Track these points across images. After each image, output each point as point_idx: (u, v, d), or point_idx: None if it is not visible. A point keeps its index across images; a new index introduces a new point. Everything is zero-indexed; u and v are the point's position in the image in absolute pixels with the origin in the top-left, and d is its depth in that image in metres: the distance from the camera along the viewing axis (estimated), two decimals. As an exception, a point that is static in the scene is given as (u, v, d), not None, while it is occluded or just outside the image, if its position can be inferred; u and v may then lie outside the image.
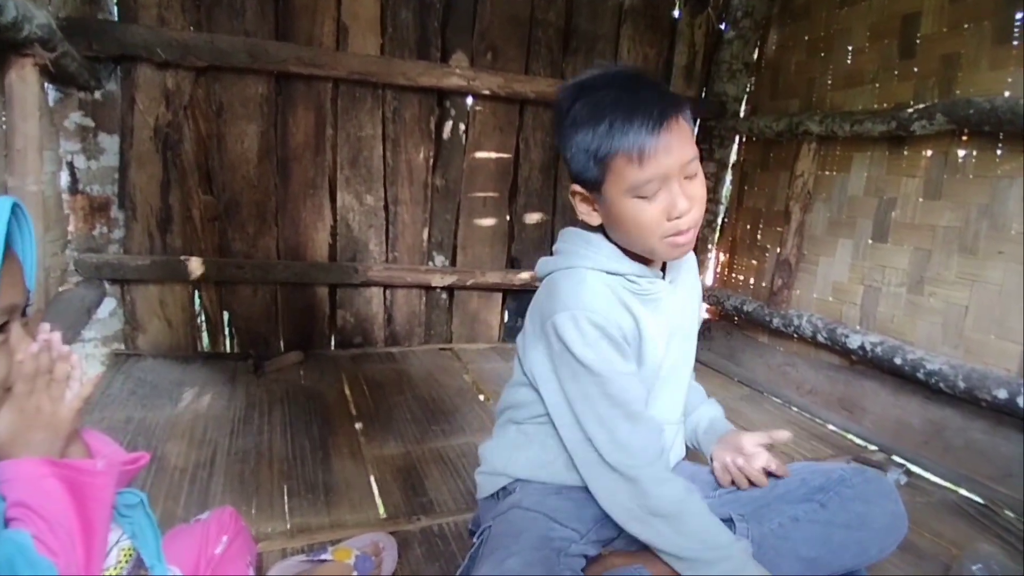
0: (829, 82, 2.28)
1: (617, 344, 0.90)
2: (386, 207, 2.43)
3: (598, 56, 2.57)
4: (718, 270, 2.86)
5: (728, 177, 2.85)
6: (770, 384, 2.33)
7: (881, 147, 2.05)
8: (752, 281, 2.62)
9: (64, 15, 1.80)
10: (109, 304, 2.15)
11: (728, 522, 0.96)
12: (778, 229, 2.43)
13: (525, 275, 2.59)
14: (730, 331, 2.67)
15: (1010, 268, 1.66)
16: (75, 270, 2.04)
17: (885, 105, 2.04)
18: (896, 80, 2.02)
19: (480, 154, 2.51)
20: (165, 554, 0.78)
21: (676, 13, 2.68)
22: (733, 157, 2.81)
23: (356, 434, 1.72)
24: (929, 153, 1.90)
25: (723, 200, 2.88)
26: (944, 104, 1.75)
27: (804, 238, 2.32)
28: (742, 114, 2.73)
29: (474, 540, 1.01)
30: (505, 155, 2.55)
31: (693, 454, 1.13)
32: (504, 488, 1.04)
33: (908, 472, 1.67)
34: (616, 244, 0.94)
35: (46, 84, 1.81)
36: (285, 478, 1.46)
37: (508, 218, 2.63)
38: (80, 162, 2.02)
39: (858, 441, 1.92)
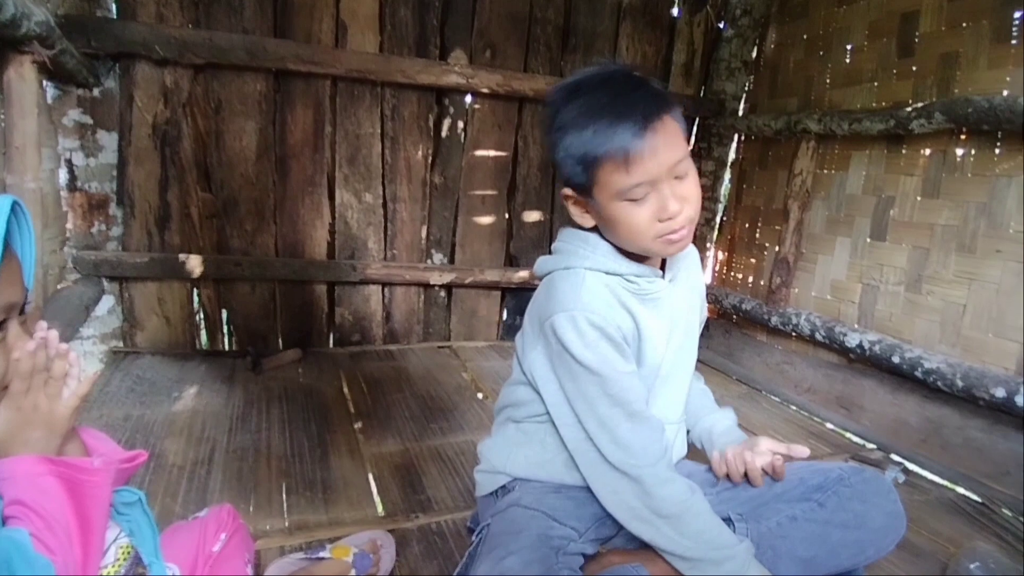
0: (828, 81, 2.28)
1: (616, 344, 0.90)
2: (385, 205, 2.43)
3: (597, 54, 2.57)
4: (717, 268, 2.87)
5: (727, 175, 2.85)
6: (768, 382, 2.33)
7: (880, 146, 2.05)
8: (751, 279, 2.62)
9: (63, 12, 1.80)
10: (107, 301, 2.15)
11: (726, 521, 0.96)
12: (777, 227, 2.43)
13: (524, 273, 2.59)
14: (728, 329, 2.67)
15: (1008, 267, 1.67)
16: (73, 267, 2.04)
17: (884, 104, 2.04)
18: (895, 79, 2.02)
19: (479, 152, 2.51)
20: (163, 552, 0.78)
21: (675, 11, 2.67)
22: (732, 155, 2.81)
23: (354, 432, 1.72)
24: (928, 152, 1.90)
25: (722, 199, 2.88)
26: (943, 103, 1.75)
27: (803, 236, 2.32)
28: (741, 112, 2.73)
29: (473, 538, 1.01)
30: (504, 153, 2.55)
31: (693, 453, 1.12)
32: (503, 486, 1.04)
33: (906, 470, 1.67)
34: (613, 243, 0.94)
35: (44, 81, 1.81)
36: (283, 476, 1.46)
37: (507, 216, 2.63)
38: (79, 159, 2.02)
39: (856, 439, 1.92)
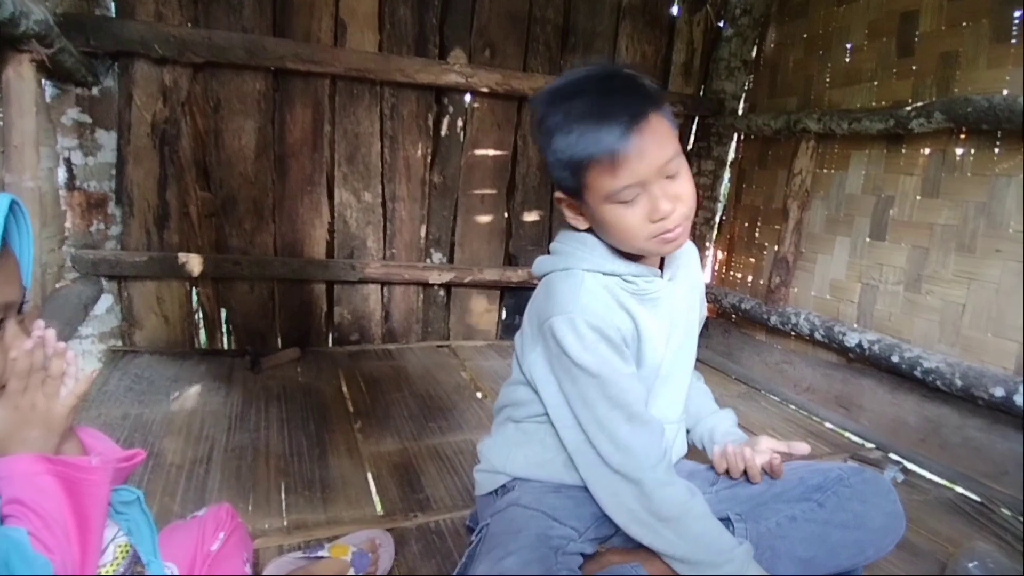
0: (827, 80, 2.28)
1: (615, 346, 0.90)
2: (384, 204, 2.43)
3: (596, 53, 2.57)
4: (716, 268, 2.87)
5: (726, 175, 2.85)
6: (767, 382, 2.33)
7: (879, 145, 2.05)
8: (750, 279, 2.62)
9: (61, 11, 1.80)
10: (106, 300, 2.15)
11: (725, 521, 0.96)
12: (776, 227, 2.43)
13: (523, 272, 2.59)
14: (728, 329, 2.67)
15: (1007, 266, 1.67)
16: (72, 266, 2.04)
17: (883, 103, 2.04)
18: (894, 78, 2.02)
19: (478, 151, 2.51)
20: (161, 551, 0.78)
21: (675, 10, 2.67)
22: (731, 155, 2.81)
23: (353, 431, 1.72)
24: (927, 151, 1.90)
25: (721, 198, 2.88)
26: (942, 102, 1.75)
27: (802, 236, 2.32)
28: (740, 112, 2.73)
29: (472, 538, 1.01)
30: (503, 152, 2.55)
31: (693, 452, 1.12)
32: (503, 486, 1.04)
33: (904, 470, 1.67)
34: (609, 244, 0.94)
35: (43, 80, 1.81)
36: (282, 475, 1.46)
37: (506, 215, 2.63)
38: (77, 158, 2.02)
39: (855, 439, 1.92)
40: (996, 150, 1.72)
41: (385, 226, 2.45)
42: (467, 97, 2.45)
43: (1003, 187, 1.69)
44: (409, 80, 2.29)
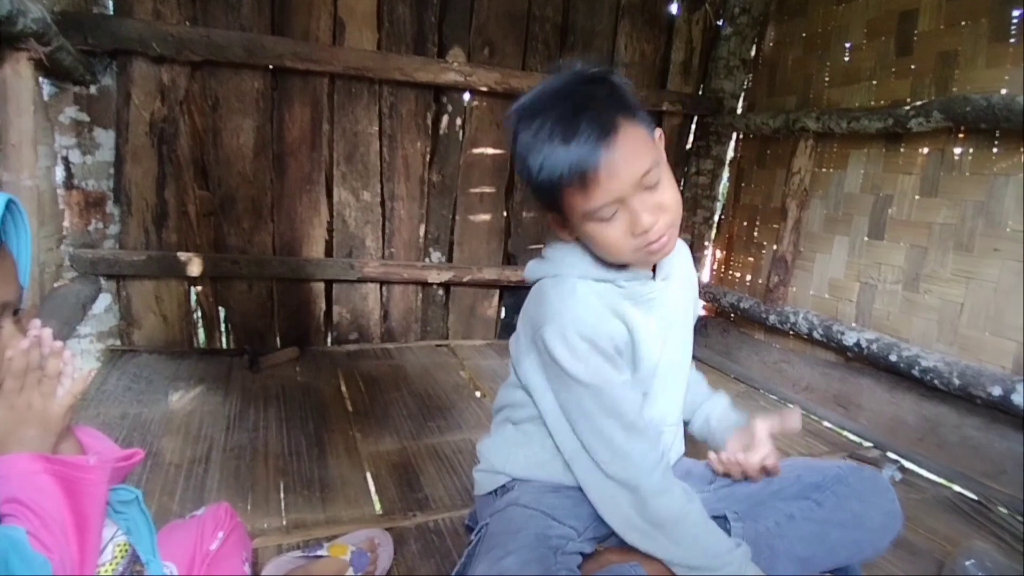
0: (826, 79, 2.28)
1: (608, 356, 0.89)
2: (382, 203, 2.43)
3: (596, 52, 2.57)
4: (714, 267, 2.87)
5: (725, 174, 2.85)
6: (766, 381, 2.33)
7: (878, 144, 2.05)
8: (748, 278, 2.62)
9: (59, 9, 1.79)
10: (104, 300, 2.14)
11: (722, 519, 0.96)
12: (775, 226, 2.43)
13: (522, 271, 2.58)
14: (726, 328, 2.67)
15: (1006, 265, 1.67)
16: (70, 265, 2.03)
17: (882, 102, 2.04)
18: (893, 77, 2.02)
19: (477, 150, 2.51)
20: (160, 550, 0.78)
21: (674, 9, 2.67)
22: (730, 154, 2.81)
23: (352, 430, 1.72)
24: (926, 150, 1.90)
25: (720, 197, 2.88)
26: (941, 101, 1.75)
27: (801, 235, 2.32)
28: (739, 111, 2.73)
29: (471, 538, 1.01)
30: (502, 151, 2.54)
31: (692, 450, 1.12)
32: (502, 486, 1.04)
33: (902, 468, 1.68)
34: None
35: (41, 78, 1.80)
36: (281, 474, 1.46)
37: (505, 214, 2.62)
38: (75, 157, 2.01)
39: (853, 438, 1.93)
40: (994, 149, 1.72)
41: (384, 225, 2.45)
42: (466, 96, 2.45)
43: (1001, 186, 1.69)
44: (408, 79, 2.28)
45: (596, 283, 0.91)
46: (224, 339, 2.37)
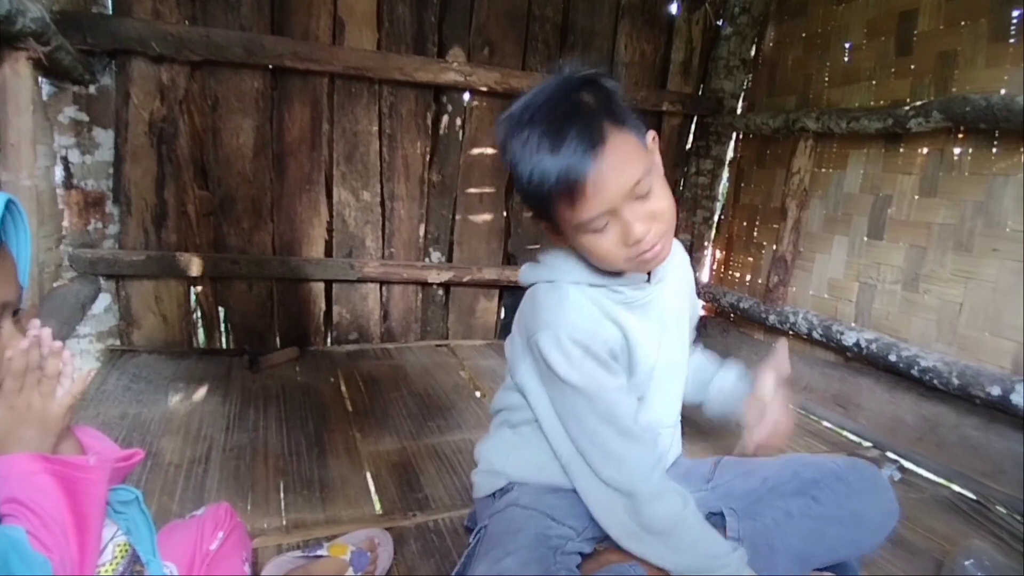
0: (826, 79, 2.28)
1: (603, 362, 0.88)
2: (382, 203, 2.43)
3: (595, 52, 2.57)
4: (714, 267, 2.87)
5: (725, 174, 2.85)
6: (766, 381, 2.33)
7: (877, 144, 2.05)
8: (748, 278, 2.62)
9: (58, 8, 1.79)
10: (104, 300, 2.14)
11: (720, 516, 0.96)
12: (774, 226, 2.43)
13: (522, 271, 2.59)
14: (726, 328, 2.67)
15: (1005, 265, 1.67)
16: (70, 265, 2.03)
17: (882, 102, 2.04)
18: (893, 77, 2.02)
19: (477, 150, 2.51)
20: (160, 550, 0.78)
21: (674, 9, 2.67)
22: (730, 154, 2.81)
23: (352, 430, 1.72)
24: (925, 150, 1.91)
25: (720, 197, 2.88)
26: (940, 101, 1.75)
27: (800, 235, 2.32)
28: (739, 111, 2.73)
29: (470, 539, 1.01)
30: (502, 151, 2.54)
31: (691, 449, 1.12)
32: (501, 488, 1.03)
33: (902, 468, 1.68)
34: None
35: (40, 78, 1.80)
36: (281, 474, 1.46)
37: (504, 214, 2.62)
38: (74, 157, 2.01)
39: (853, 437, 1.93)
40: (994, 149, 1.72)
41: (384, 225, 2.45)
42: (466, 96, 2.44)
43: (1001, 186, 1.69)
44: (408, 79, 2.28)
45: (590, 288, 0.91)
46: (224, 339, 2.37)
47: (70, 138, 1.99)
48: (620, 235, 0.82)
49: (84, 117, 2.00)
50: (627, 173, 0.79)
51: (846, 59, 2.21)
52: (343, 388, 2.03)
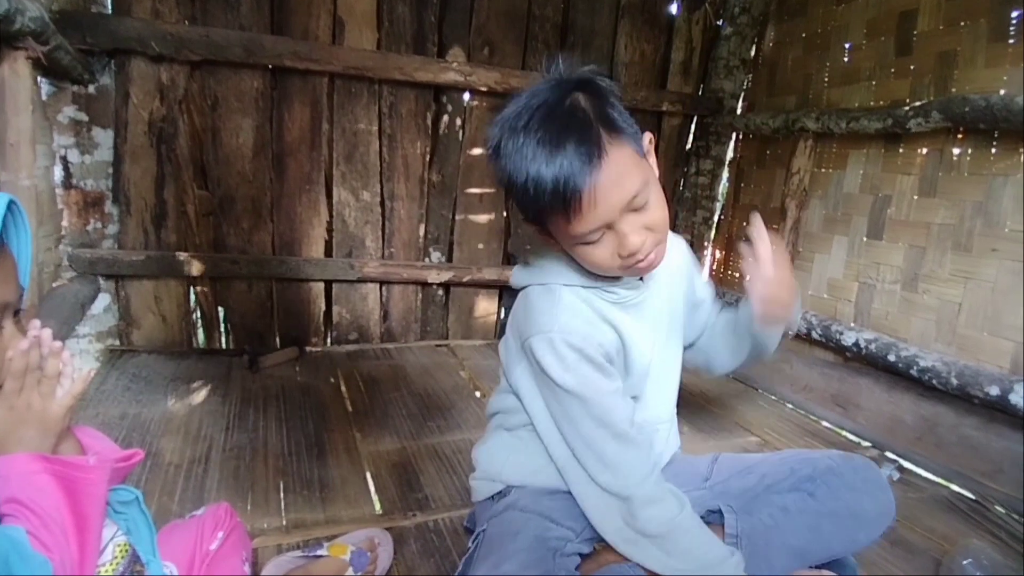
0: (826, 79, 2.28)
1: (597, 365, 0.88)
2: (382, 203, 2.43)
3: (595, 52, 2.57)
4: (714, 267, 2.87)
5: (724, 174, 2.85)
6: (764, 380, 2.33)
7: (877, 144, 2.05)
8: (748, 278, 2.62)
9: (57, 8, 1.79)
10: (103, 300, 2.14)
11: (718, 513, 0.96)
12: (774, 226, 2.43)
13: (521, 271, 2.59)
14: (726, 328, 2.67)
15: (1004, 265, 1.67)
16: (69, 265, 2.03)
17: (881, 102, 2.04)
18: (892, 77, 2.02)
19: (477, 150, 2.51)
20: (160, 550, 0.78)
21: (674, 9, 2.67)
22: (729, 154, 2.81)
23: (352, 430, 1.72)
24: (925, 151, 1.91)
25: (719, 197, 2.88)
26: (940, 101, 1.75)
27: (800, 235, 2.33)
28: (739, 111, 2.73)
29: (469, 543, 1.01)
30: (502, 151, 2.54)
31: (691, 448, 1.12)
32: (499, 492, 1.03)
33: (901, 468, 1.68)
34: None
35: (39, 78, 1.80)
36: (280, 474, 1.46)
37: (504, 214, 2.62)
38: (74, 156, 2.01)
39: (852, 437, 1.93)
40: (993, 149, 1.72)
41: (384, 225, 2.45)
42: (466, 95, 2.44)
43: (1000, 186, 1.69)
44: (407, 78, 2.28)
45: (583, 289, 0.90)
46: (223, 339, 2.37)
47: (69, 138, 1.99)
48: (615, 246, 0.81)
49: (83, 117, 2.00)
50: (626, 186, 0.77)
51: (846, 59, 2.21)
52: (343, 388, 2.03)
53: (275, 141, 2.24)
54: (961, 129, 1.78)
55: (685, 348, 1.11)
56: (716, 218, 2.89)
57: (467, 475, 1.15)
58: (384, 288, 2.50)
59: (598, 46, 2.58)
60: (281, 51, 2.11)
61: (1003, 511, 1.51)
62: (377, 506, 1.37)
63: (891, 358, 1.86)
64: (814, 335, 2.16)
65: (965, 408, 1.72)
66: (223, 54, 2.05)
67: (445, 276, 2.52)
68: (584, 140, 0.75)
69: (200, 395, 1.86)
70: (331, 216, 2.37)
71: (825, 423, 2.02)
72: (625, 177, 0.77)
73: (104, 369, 1.99)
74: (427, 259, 2.54)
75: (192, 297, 2.29)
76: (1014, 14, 1.67)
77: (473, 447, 1.12)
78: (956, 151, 1.82)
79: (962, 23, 1.81)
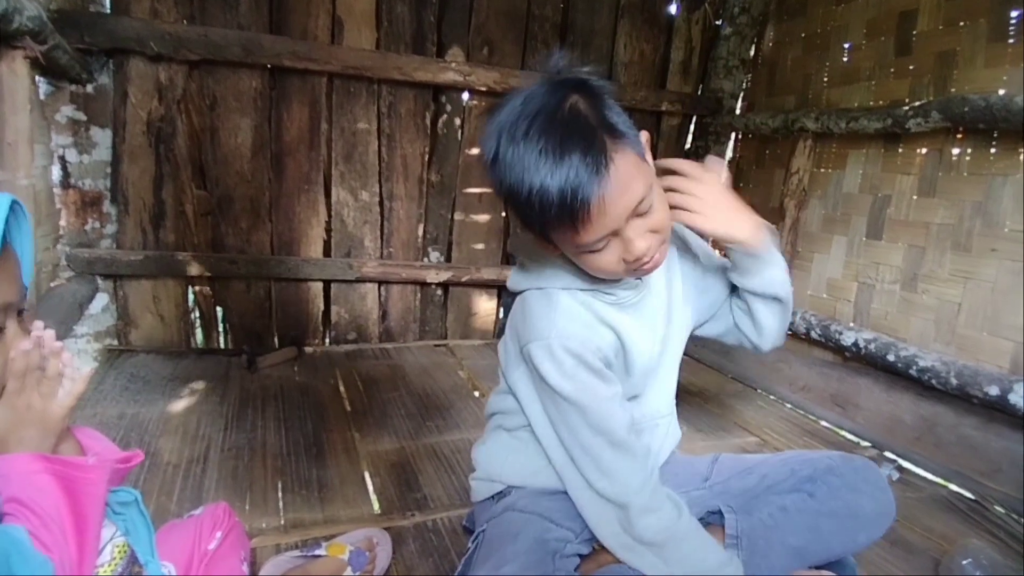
0: (825, 79, 2.28)
1: (596, 371, 0.88)
2: (381, 203, 2.42)
3: (595, 52, 2.57)
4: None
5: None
6: (763, 380, 2.33)
7: (876, 144, 2.05)
8: (747, 278, 2.62)
9: (55, 7, 1.78)
10: (101, 299, 2.13)
11: (718, 514, 0.96)
12: (773, 226, 2.43)
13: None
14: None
15: (1003, 265, 1.67)
16: (67, 265, 2.03)
17: (881, 102, 2.04)
18: (892, 77, 2.02)
19: (476, 150, 2.51)
20: (159, 550, 0.78)
21: (673, 9, 2.67)
22: (729, 154, 2.81)
23: (350, 430, 1.72)
24: (924, 150, 1.91)
25: (719, 197, 2.88)
26: (939, 101, 1.75)
27: (799, 235, 2.33)
28: (738, 111, 2.73)
29: (469, 544, 1.00)
30: (501, 151, 2.54)
31: (690, 448, 1.12)
32: (499, 492, 1.03)
33: (900, 468, 1.68)
34: None
35: (37, 77, 1.79)
36: (279, 474, 1.45)
37: (503, 214, 2.62)
38: (72, 156, 2.00)
39: (851, 437, 1.93)
40: (992, 149, 1.72)
41: (382, 225, 2.45)
42: (465, 95, 2.44)
43: (999, 186, 1.70)
44: (407, 78, 2.28)
45: (581, 292, 0.90)
46: (222, 339, 2.36)
47: (67, 137, 1.98)
48: (620, 252, 0.80)
49: (82, 116, 1.99)
50: (632, 193, 0.76)
51: (845, 59, 2.21)
52: (341, 388, 2.03)
53: (274, 141, 2.23)
54: (960, 129, 1.78)
55: (719, 336, 1.07)
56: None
57: (466, 475, 1.15)
58: (383, 288, 2.49)
59: (597, 46, 2.58)
60: (280, 51, 2.10)
61: (1002, 511, 1.51)
62: (375, 506, 1.37)
63: (890, 358, 1.86)
64: (813, 335, 2.16)
65: (964, 408, 1.72)
66: (222, 54, 2.05)
67: (444, 276, 2.52)
68: (589, 149, 0.72)
69: (198, 395, 1.86)
70: (330, 216, 2.37)
71: (824, 423, 2.02)
72: (631, 183, 0.76)
73: (102, 369, 1.98)
74: (426, 259, 2.54)
75: (190, 297, 2.28)
76: (1014, 14, 1.67)
77: (472, 447, 1.12)
78: (955, 151, 1.82)
79: (962, 23, 1.81)
